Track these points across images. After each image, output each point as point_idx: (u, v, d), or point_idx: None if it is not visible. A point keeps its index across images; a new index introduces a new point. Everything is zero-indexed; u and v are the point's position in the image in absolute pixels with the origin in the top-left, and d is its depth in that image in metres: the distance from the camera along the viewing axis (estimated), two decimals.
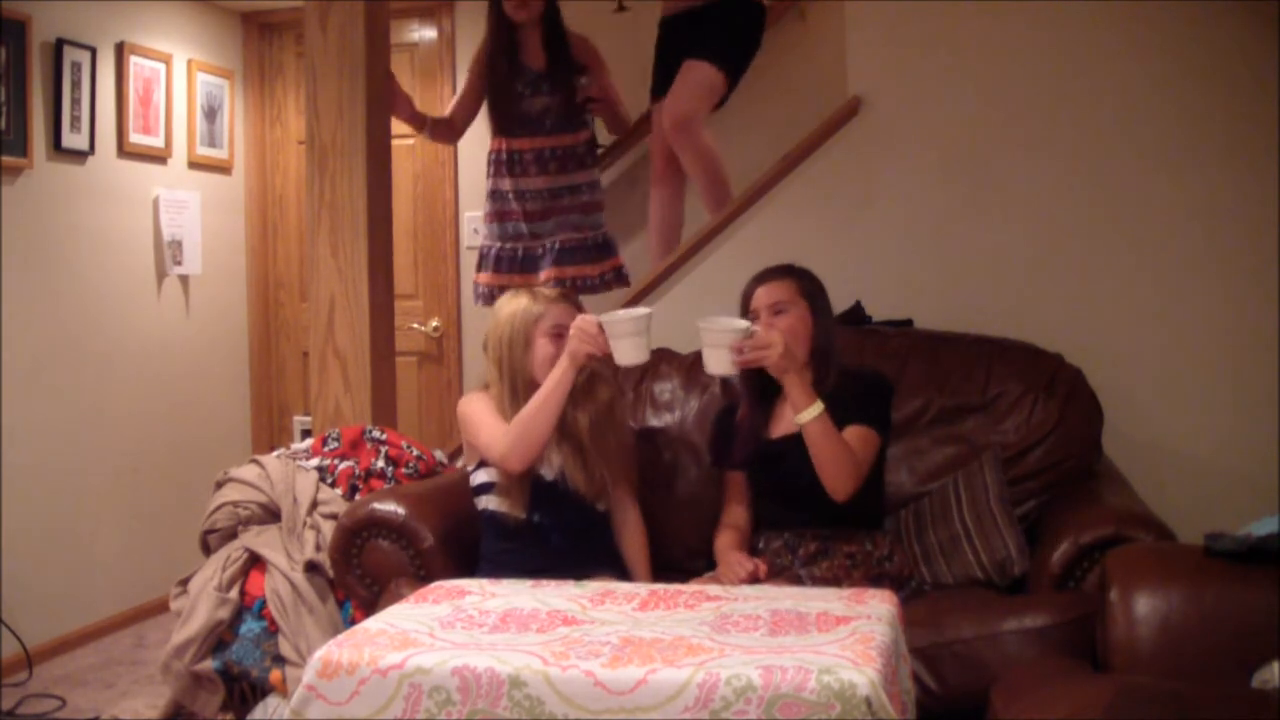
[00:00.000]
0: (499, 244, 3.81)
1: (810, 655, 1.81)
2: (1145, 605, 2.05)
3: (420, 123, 3.81)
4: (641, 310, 2.61)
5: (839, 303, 3.45)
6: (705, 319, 2.56)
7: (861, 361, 3.08)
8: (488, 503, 2.79)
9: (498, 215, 3.81)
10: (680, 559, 3.05)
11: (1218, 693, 1.80)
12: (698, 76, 3.65)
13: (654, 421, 3.24)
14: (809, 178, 3.60)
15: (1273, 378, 3.25)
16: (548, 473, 2.77)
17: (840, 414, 2.61)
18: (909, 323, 3.41)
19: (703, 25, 3.70)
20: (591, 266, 3.78)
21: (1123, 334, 3.38)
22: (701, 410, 3.22)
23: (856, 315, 3.45)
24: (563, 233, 3.75)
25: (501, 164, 3.79)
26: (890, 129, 3.53)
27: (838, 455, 2.55)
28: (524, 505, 2.74)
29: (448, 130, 3.90)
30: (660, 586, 2.33)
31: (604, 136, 4.10)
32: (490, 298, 3.76)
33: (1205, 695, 1.77)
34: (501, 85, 3.73)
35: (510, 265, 3.79)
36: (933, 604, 2.56)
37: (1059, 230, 3.43)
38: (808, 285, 2.78)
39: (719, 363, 2.53)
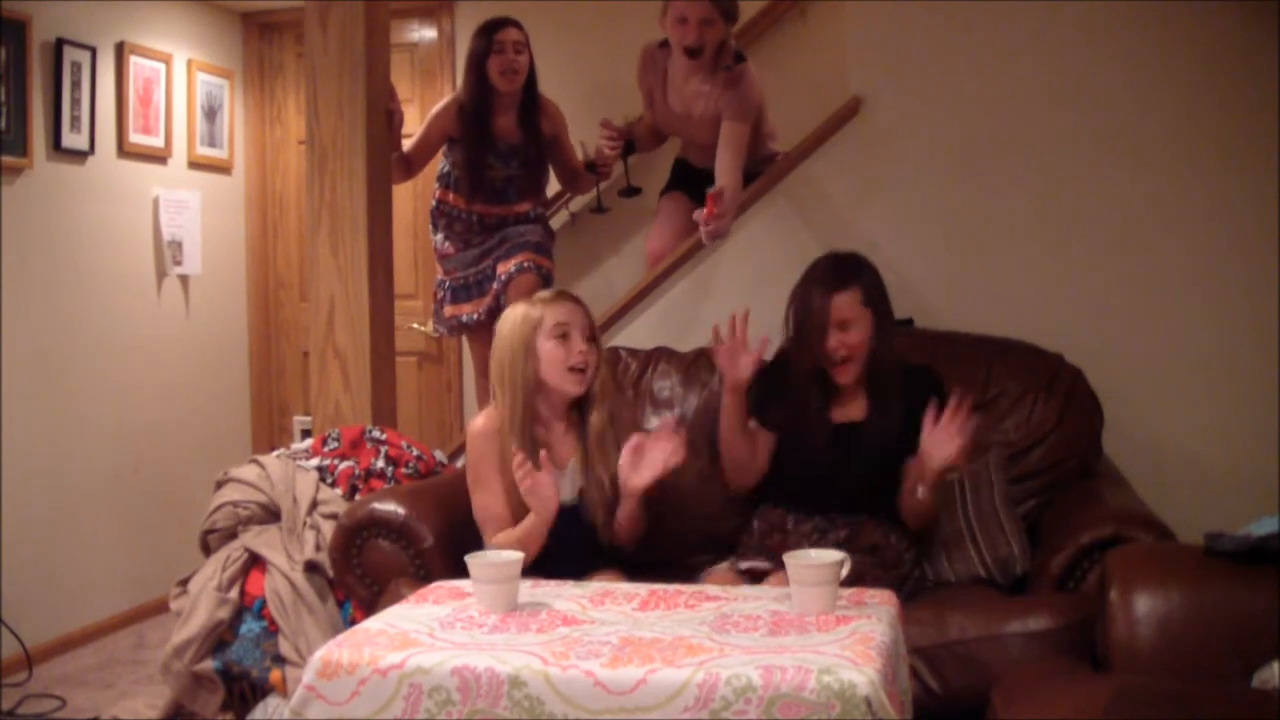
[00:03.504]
0: (469, 271, 3.83)
1: (810, 655, 1.81)
2: (1145, 605, 2.05)
3: (397, 149, 3.80)
4: (512, 555, 2.24)
5: None
6: (793, 556, 2.14)
7: None
8: None
9: (460, 247, 3.84)
10: (680, 556, 3.06)
11: (1218, 693, 1.80)
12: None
13: (654, 419, 3.23)
14: (809, 178, 3.60)
15: (1272, 378, 3.25)
16: (565, 494, 2.72)
17: (905, 426, 2.64)
18: (909, 322, 3.41)
19: None
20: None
21: (1123, 334, 3.38)
22: (701, 407, 3.22)
23: None
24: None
25: (456, 219, 3.82)
26: (890, 129, 3.53)
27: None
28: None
29: (404, 169, 3.86)
30: (660, 586, 2.33)
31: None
32: (465, 327, 3.83)
33: (1205, 695, 1.77)
34: (473, 155, 3.73)
35: (479, 291, 3.81)
36: (935, 604, 2.56)
37: (1059, 230, 3.43)
38: (870, 291, 2.76)
39: (822, 600, 2.08)
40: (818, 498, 2.77)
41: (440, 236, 3.91)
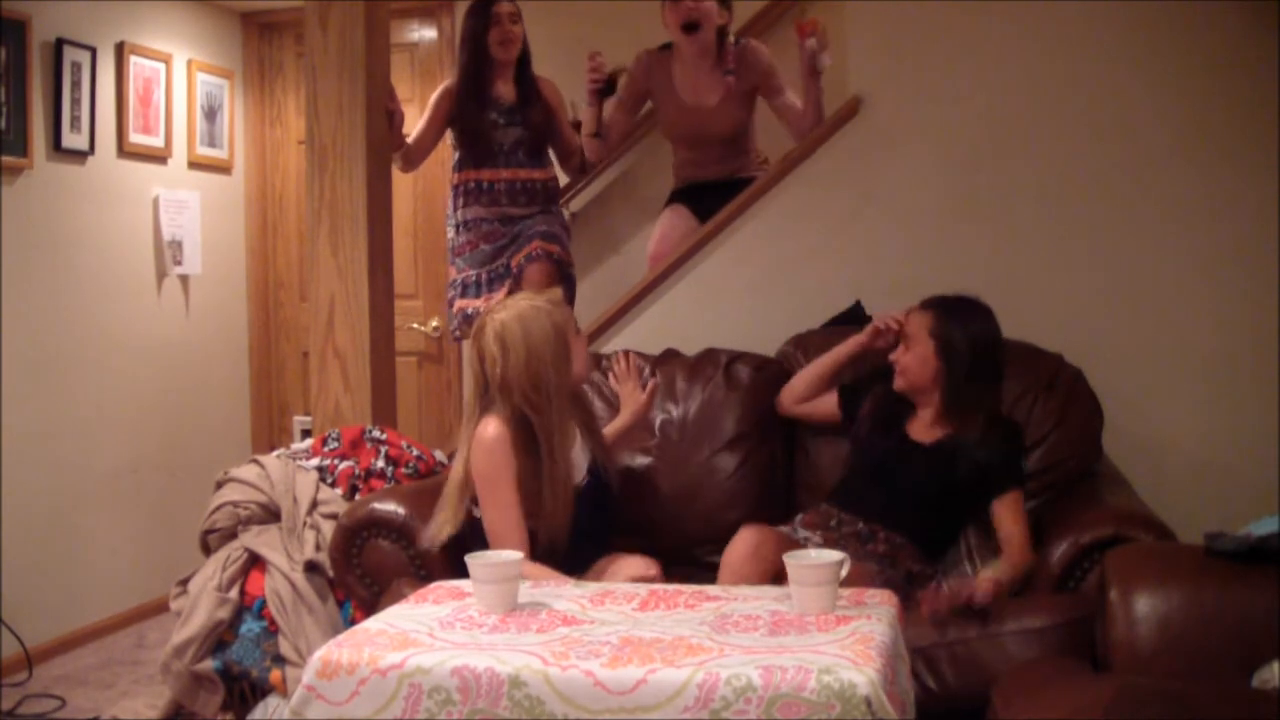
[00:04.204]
0: (482, 269, 3.82)
1: (810, 655, 1.81)
2: (1145, 605, 2.05)
3: (398, 147, 3.80)
4: (513, 555, 2.26)
5: (839, 302, 3.47)
6: (793, 556, 2.15)
7: (863, 358, 3.15)
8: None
9: (475, 242, 3.82)
10: (683, 549, 3.08)
11: (1218, 693, 1.80)
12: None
13: (659, 414, 3.24)
14: (809, 178, 3.59)
15: (1272, 378, 3.25)
16: (579, 476, 2.73)
17: (993, 472, 2.71)
18: None
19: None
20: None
21: (1123, 334, 3.38)
22: (704, 404, 3.23)
23: (856, 315, 3.45)
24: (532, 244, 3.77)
25: (471, 193, 3.80)
26: (890, 129, 3.53)
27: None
28: (567, 527, 2.67)
29: (408, 159, 3.88)
30: (660, 586, 2.33)
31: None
32: (470, 321, 3.78)
33: (1205, 695, 1.77)
34: (476, 117, 3.75)
35: (490, 288, 3.79)
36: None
37: (1059, 230, 3.43)
38: (942, 326, 2.82)
39: (822, 600, 2.08)
40: (867, 503, 2.80)
41: (454, 232, 3.90)
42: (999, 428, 2.80)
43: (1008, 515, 2.69)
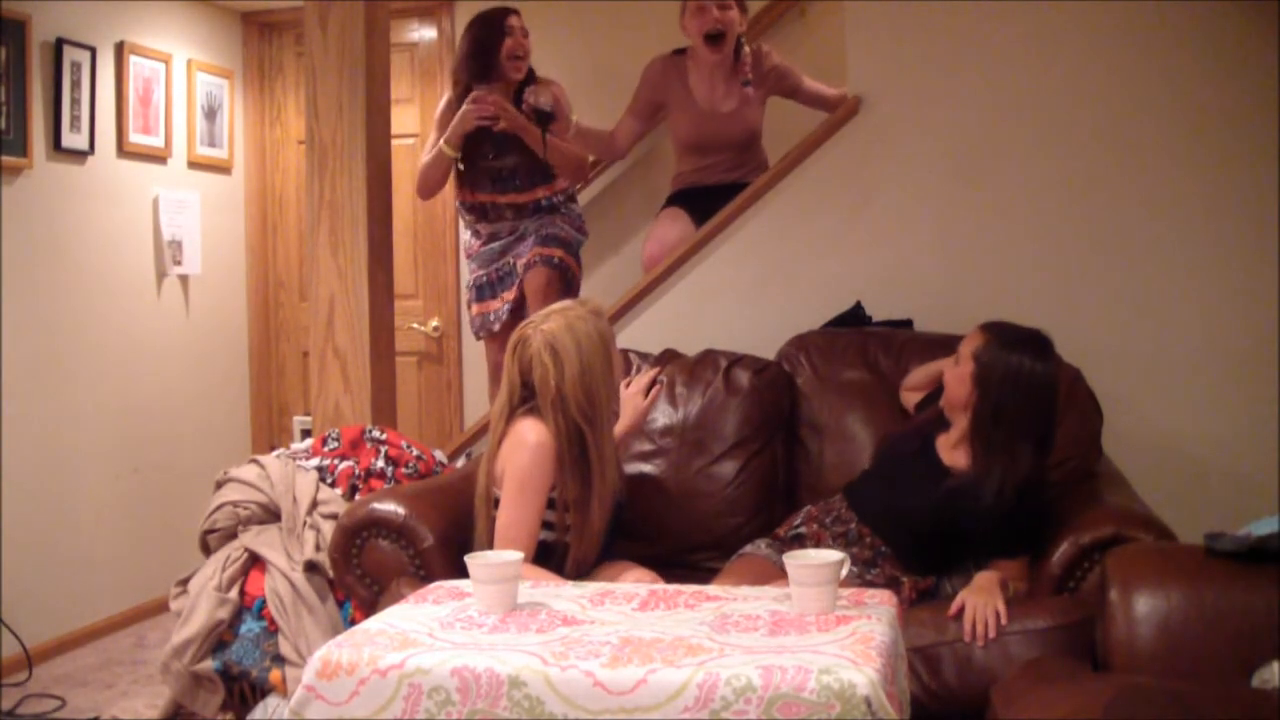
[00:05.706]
0: (490, 269, 3.81)
1: (810, 655, 1.81)
2: (1145, 605, 2.05)
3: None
4: (513, 555, 2.23)
5: (839, 303, 3.47)
6: (792, 556, 2.13)
7: (864, 359, 3.19)
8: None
9: (479, 246, 3.82)
10: (682, 553, 3.08)
11: (1218, 693, 1.80)
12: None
13: (659, 418, 3.24)
14: (809, 177, 3.60)
15: (1273, 378, 3.25)
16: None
17: (1002, 536, 2.63)
18: (909, 323, 3.41)
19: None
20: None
21: (1122, 334, 3.38)
22: (703, 409, 3.22)
23: (856, 315, 3.45)
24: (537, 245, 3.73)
25: (475, 209, 3.80)
26: (890, 129, 3.53)
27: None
28: (600, 546, 2.66)
29: (431, 186, 3.86)
30: (660, 586, 2.33)
31: None
32: (490, 325, 3.78)
33: (1205, 695, 1.77)
34: (471, 147, 3.70)
35: (502, 286, 3.78)
36: (934, 604, 2.56)
37: (1059, 230, 3.44)
38: (986, 350, 2.69)
39: (822, 600, 2.05)
40: (868, 504, 2.78)
41: (468, 235, 3.91)
42: (1019, 496, 2.63)
43: (1010, 569, 2.60)
